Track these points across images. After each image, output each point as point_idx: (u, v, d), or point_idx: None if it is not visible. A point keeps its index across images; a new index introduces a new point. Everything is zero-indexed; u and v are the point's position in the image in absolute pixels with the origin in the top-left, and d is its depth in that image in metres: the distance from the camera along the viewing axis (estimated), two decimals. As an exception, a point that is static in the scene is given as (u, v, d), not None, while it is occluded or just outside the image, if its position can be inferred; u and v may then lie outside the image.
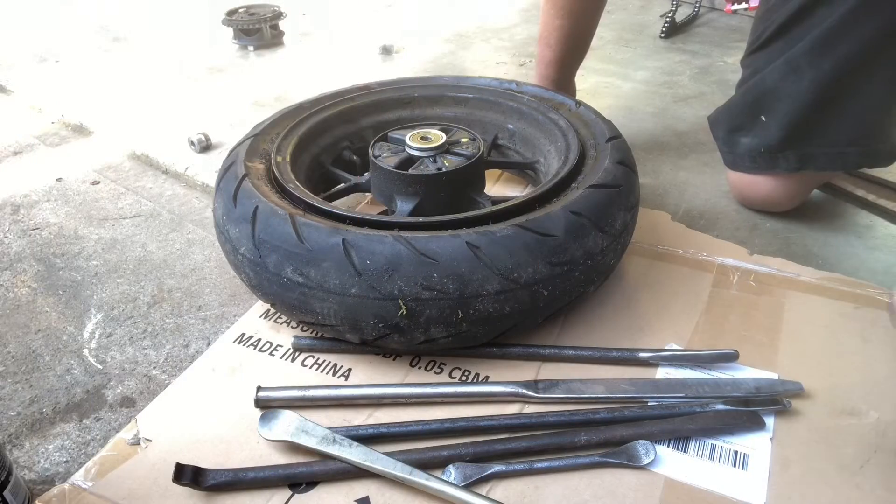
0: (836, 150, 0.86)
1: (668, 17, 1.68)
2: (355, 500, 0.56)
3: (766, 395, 0.63)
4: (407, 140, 0.80)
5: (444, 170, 0.77)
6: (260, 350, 0.72)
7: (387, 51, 1.60)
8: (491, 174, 0.98)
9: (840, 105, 0.83)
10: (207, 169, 1.11)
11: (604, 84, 1.41)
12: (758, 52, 0.91)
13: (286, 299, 0.65)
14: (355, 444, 0.58)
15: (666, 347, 0.70)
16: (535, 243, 0.63)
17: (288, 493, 0.57)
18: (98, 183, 1.14)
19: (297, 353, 0.72)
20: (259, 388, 0.65)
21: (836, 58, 0.81)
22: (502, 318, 0.64)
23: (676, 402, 0.64)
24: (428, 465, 0.58)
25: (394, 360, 0.71)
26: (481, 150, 0.80)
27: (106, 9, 2.00)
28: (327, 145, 0.91)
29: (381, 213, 0.80)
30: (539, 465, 0.58)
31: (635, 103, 1.32)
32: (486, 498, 0.55)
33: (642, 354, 0.69)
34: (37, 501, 0.57)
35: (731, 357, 0.68)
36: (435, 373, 0.69)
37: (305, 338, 0.72)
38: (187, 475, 0.56)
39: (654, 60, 1.53)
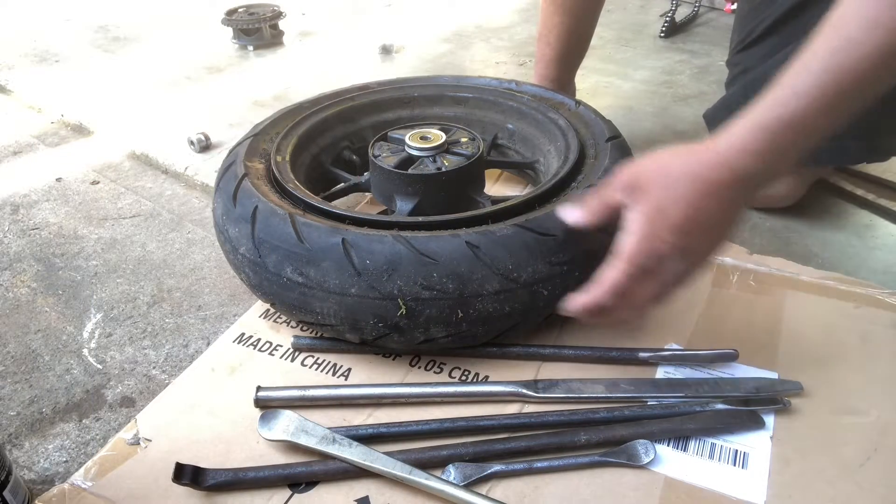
0: (836, 144, 0.86)
1: (667, 16, 1.68)
2: (355, 500, 0.56)
3: (766, 395, 0.63)
4: (406, 140, 0.80)
5: (443, 169, 0.77)
6: (259, 350, 0.72)
7: (386, 50, 1.60)
8: (490, 174, 0.98)
9: None
10: (207, 169, 1.11)
11: (603, 84, 1.41)
12: (748, 49, 0.91)
13: (286, 299, 0.65)
14: (355, 443, 0.58)
15: (666, 347, 0.70)
16: (535, 243, 0.63)
17: (288, 492, 0.57)
18: (98, 183, 1.13)
19: (296, 353, 0.72)
20: (259, 388, 0.65)
21: None
22: (502, 317, 0.64)
23: (676, 401, 0.64)
24: (428, 464, 0.58)
25: (393, 359, 0.71)
26: (481, 149, 0.80)
27: (106, 9, 2.00)
28: (327, 145, 0.91)
29: (380, 213, 0.80)
30: (539, 464, 0.58)
31: (635, 103, 1.32)
32: (485, 497, 0.55)
33: (642, 354, 0.68)
34: (36, 501, 0.57)
35: (730, 357, 0.68)
36: (435, 372, 0.69)
37: (305, 338, 0.72)
38: (187, 475, 0.56)
39: (653, 60, 1.53)
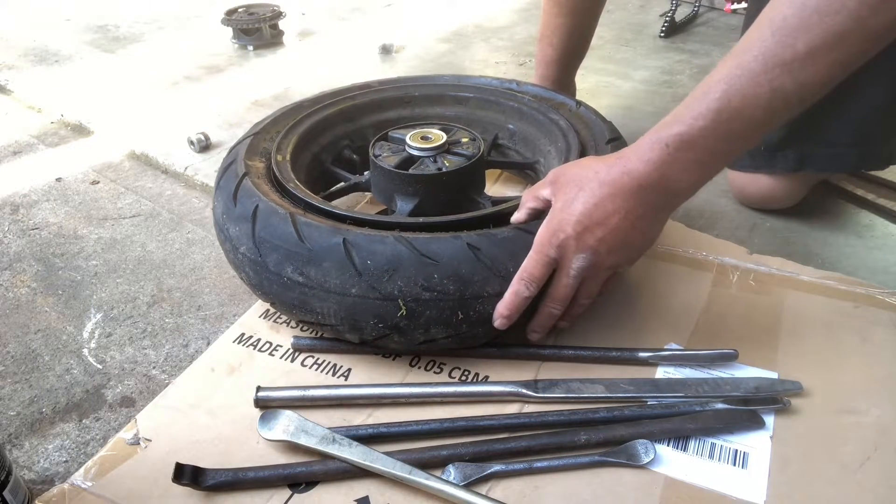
0: (834, 152, 0.86)
1: (667, 16, 1.68)
2: (355, 500, 0.56)
3: (766, 395, 0.63)
4: (407, 140, 0.80)
5: (444, 170, 0.77)
6: (259, 350, 0.72)
7: (386, 50, 1.60)
8: (490, 173, 0.98)
9: (841, 106, 0.83)
10: (207, 168, 1.11)
11: (603, 84, 1.41)
12: None
13: (286, 298, 0.65)
14: (355, 443, 0.58)
15: (666, 347, 0.70)
16: (536, 244, 0.63)
17: (288, 492, 0.57)
18: (97, 183, 1.13)
19: (296, 354, 0.71)
20: (259, 388, 0.65)
21: None
22: (502, 318, 0.64)
23: (676, 401, 0.64)
24: (427, 464, 0.58)
25: (393, 360, 0.70)
26: (482, 150, 0.80)
27: (106, 9, 2.00)
28: (327, 144, 0.91)
29: (380, 213, 0.80)
30: (539, 464, 0.58)
31: (635, 103, 1.32)
32: (485, 497, 0.55)
33: (642, 354, 0.68)
34: (36, 501, 0.57)
35: (730, 357, 0.67)
36: (434, 373, 0.69)
37: (305, 338, 0.72)
38: (187, 475, 0.56)
39: (653, 60, 1.53)
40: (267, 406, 0.64)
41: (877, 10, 0.49)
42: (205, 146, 1.16)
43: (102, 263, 0.93)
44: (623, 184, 0.59)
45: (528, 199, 0.67)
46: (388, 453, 0.58)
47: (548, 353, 0.69)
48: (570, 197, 0.61)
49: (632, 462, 0.58)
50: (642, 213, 0.61)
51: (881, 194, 0.97)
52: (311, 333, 0.73)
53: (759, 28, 0.54)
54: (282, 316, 0.76)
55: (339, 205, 0.73)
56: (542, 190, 0.65)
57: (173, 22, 1.89)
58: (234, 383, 0.68)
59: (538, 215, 0.66)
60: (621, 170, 0.60)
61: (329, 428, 0.60)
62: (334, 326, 0.65)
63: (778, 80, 0.52)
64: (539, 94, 0.94)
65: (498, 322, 0.63)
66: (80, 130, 1.31)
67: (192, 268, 0.91)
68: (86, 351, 0.78)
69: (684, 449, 0.60)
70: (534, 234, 0.64)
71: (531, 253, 0.62)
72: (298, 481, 0.58)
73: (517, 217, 0.67)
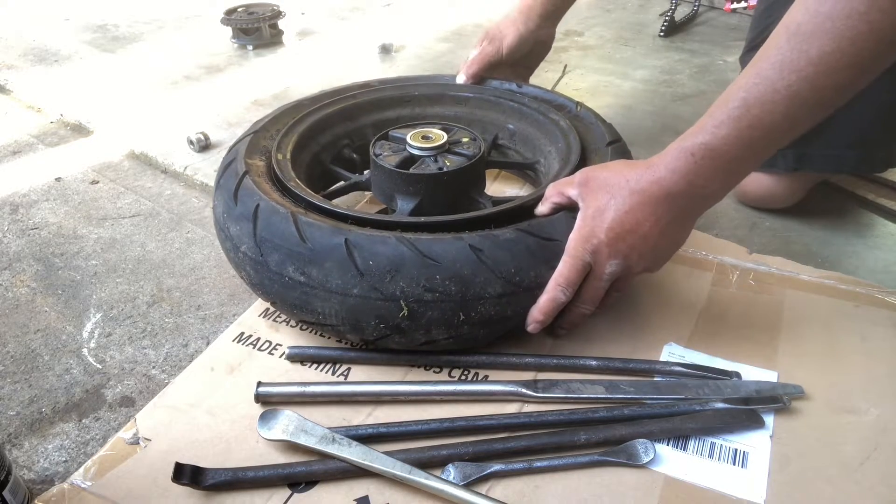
0: (833, 153, 0.87)
1: (667, 15, 1.68)
2: (355, 500, 0.56)
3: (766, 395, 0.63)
4: (408, 139, 0.80)
5: (445, 169, 0.77)
6: (259, 349, 0.72)
7: (386, 50, 1.60)
8: (488, 172, 0.98)
9: (842, 107, 0.83)
10: (206, 168, 1.11)
11: (603, 83, 1.41)
12: (757, 49, 0.91)
13: (287, 298, 0.65)
14: (355, 443, 0.58)
15: (665, 346, 0.70)
16: (537, 247, 0.64)
17: (287, 492, 0.57)
18: (97, 182, 1.13)
19: (296, 353, 0.71)
20: (259, 384, 0.65)
21: None
22: (503, 320, 0.64)
23: (676, 401, 0.64)
24: (427, 464, 0.58)
25: (393, 359, 0.70)
26: (482, 150, 0.80)
27: (105, 8, 1.99)
28: (327, 143, 0.90)
29: (380, 212, 0.80)
30: (538, 464, 0.58)
31: (635, 102, 1.32)
32: (485, 497, 0.55)
33: (642, 366, 0.68)
34: (36, 501, 0.57)
35: (732, 376, 0.66)
36: (434, 372, 0.69)
37: (298, 347, 0.71)
38: (186, 474, 0.56)
39: (653, 59, 1.53)
40: (267, 401, 0.64)
41: (888, 12, 0.49)
42: (204, 146, 1.16)
43: (102, 263, 0.93)
44: (652, 193, 0.60)
45: (553, 193, 0.67)
46: (387, 453, 0.58)
47: (547, 363, 0.68)
48: (602, 204, 0.62)
49: (631, 461, 0.58)
50: (671, 219, 0.62)
51: (881, 194, 0.97)
52: (308, 334, 0.73)
53: (777, 36, 0.55)
54: (281, 315, 0.76)
55: (339, 204, 0.73)
56: (570, 189, 0.65)
57: (173, 22, 1.89)
58: (234, 382, 0.68)
59: (560, 210, 0.67)
60: (650, 179, 0.61)
61: (329, 427, 0.60)
62: (335, 326, 0.65)
63: (795, 86, 0.53)
64: (539, 94, 0.94)
65: (531, 326, 0.65)
66: (79, 130, 1.31)
67: (192, 267, 0.91)
68: (85, 351, 0.78)
69: (684, 448, 0.60)
70: (535, 235, 0.64)
71: (565, 258, 0.63)
72: (298, 481, 0.58)
73: (540, 210, 0.68)
